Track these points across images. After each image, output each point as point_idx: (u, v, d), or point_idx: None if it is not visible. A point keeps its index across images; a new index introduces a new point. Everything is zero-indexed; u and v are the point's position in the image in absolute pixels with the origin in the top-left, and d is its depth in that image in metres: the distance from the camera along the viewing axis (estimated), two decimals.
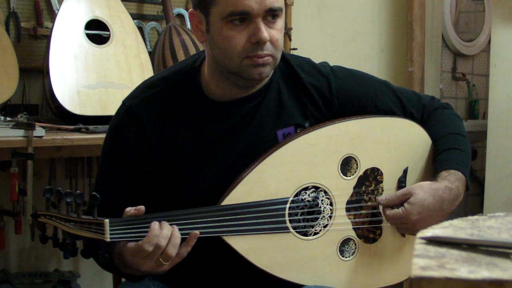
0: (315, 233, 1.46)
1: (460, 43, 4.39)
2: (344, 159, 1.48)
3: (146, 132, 1.42)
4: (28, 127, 1.88)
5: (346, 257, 1.50)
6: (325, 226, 1.47)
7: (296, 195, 1.44)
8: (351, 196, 1.49)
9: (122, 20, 2.33)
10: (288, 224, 1.43)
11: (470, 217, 0.93)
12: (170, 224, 1.31)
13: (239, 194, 1.39)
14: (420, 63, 3.52)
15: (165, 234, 1.28)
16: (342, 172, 1.48)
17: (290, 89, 1.50)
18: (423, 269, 0.70)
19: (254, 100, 1.46)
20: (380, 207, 1.49)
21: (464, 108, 4.50)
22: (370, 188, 1.51)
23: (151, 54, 2.45)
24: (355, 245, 1.51)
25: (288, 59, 1.51)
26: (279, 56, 1.40)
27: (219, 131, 1.44)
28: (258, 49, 1.34)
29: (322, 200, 1.46)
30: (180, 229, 1.32)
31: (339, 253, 1.49)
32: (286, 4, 2.88)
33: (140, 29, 2.60)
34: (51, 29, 2.19)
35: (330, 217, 1.47)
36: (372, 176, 1.51)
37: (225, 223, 1.37)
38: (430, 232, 0.84)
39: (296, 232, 1.44)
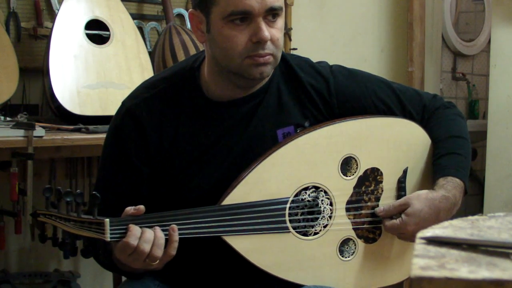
0: (315, 233, 1.46)
1: (460, 43, 4.39)
2: (344, 159, 1.48)
3: (146, 133, 1.42)
4: (28, 127, 1.88)
5: (345, 257, 1.50)
6: (325, 226, 1.47)
7: (296, 195, 1.44)
8: (351, 196, 1.49)
9: (122, 20, 2.33)
10: (288, 224, 1.43)
11: (470, 217, 0.93)
12: (170, 224, 1.31)
13: (239, 194, 1.39)
14: (420, 63, 3.52)
15: (146, 237, 1.27)
16: (342, 172, 1.48)
17: (290, 89, 1.50)
18: (423, 269, 0.70)
19: (254, 100, 1.46)
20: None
21: (464, 108, 4.50)
22: (370, 188, 1.51)
23: (151, 54, 2.45)
24: (355, 245, 1.51)
25: (287, 59, 1.51)
26: (279, 55, 1.40)
27: (219, 131, 1.44)
28: (259, 49, 1.35)
29: (322, 200, 1.46)
30: (179, 229, 1.32)
31: (338, 253, 1.49)
32: (286, 4, 2.88)
33: (140, 29, 2.60)
34: (51, 29, 2.19)
35: (330, 217, 1.47)
36: (372, 176, 1.51)
37: (225, 223, 1.37)
38: (430, 232, 0.84)
39: (296, 232, 1.44)
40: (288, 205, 1.43)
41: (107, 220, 1.26)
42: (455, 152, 1.52)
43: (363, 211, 1.51)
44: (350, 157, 1.49)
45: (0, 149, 1.87)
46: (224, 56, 1.37)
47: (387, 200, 1.52)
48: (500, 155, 3.04)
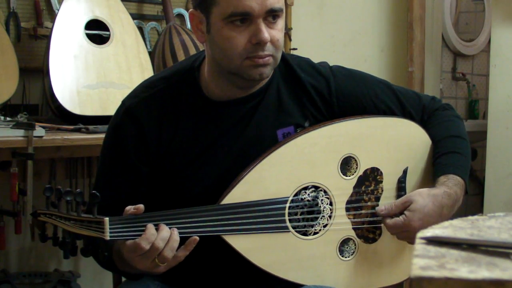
0: (315, 233, 1.46)
1: (460, 43, 4.39)
2: (344, 159, 1.48)
3: (145, 132, 1.42)
4: (28, 127, 1.88)
5: (345, 257, 1.50)
6: (324, 226, 1.47)
7: (296, 195, 1.44)
8: (351, 196, 1.49)
9: (122, 20, 2.33)
10: (288, 224, 1.43)
11: (470, 217, 0.93)
12: (170, 224, 1.31)
13: (239, 193, 1.39)
14: (420, 63, 3.52)
15: (163, 236, 1.28)
16: (342, 172, 1.48)
17: (290, 89, 1.50)
18: (423, 269, 0.70)
19: (253, 100, 1.46)
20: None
21: (464, 108, 4.50)
22: (370, 188, 1.51)
23: (151, 54, 2.45)
24: (355, 245, 1.51)
25: (287, 59, 1.51)
26: (279, 56, 1.40)
27: (218, 131, 1.44)
28: (259, 50, 1.35)
29: (322, 199, 1.46)
30: (179, 228, 1.32)
31: (338, 253, 1.49)
32: (286, 4, 2.88)
33: (140, 29, 2.60)
34: (51, 29, 2.19)
35: (330, 216, 1.47)
36: (372, 176, 1.51)
37: (225, 222, 1.37)
38: (430, 232, 0.84)
39: (296, 231, 1.44)
40: (287, 205, 1.43)
41: (106, 219, 1.26)
42: (455, 151, 1.52)
43: (363, 211, 1.51)
44: (350, 156, 1.49)
45: (0, 149, 1.87)
46: (224, 56, 1.37)
47: (387, 200, 1.52)
48: (500, 155, 3.04)
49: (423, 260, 0.73)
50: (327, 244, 1.47)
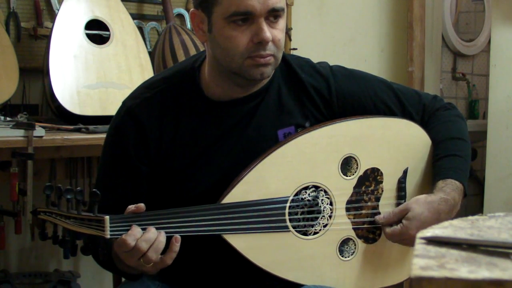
0: (315, 233, 1.46)
1: (460, 43, 4.39)
2: (344, 159, 1.48)
3: (146, 133, 1.42)
4: (28, 127, 1.88)
5: (345, 257, 1.50)
6: (325, 226, 1.47)
7: (296, 194, 1.44)
8: (351, 196, 1.49)
9: (122, 20, 2.33)
10: (288, 223, 1.43)
11: (470, 217, 0.93)
12: (170, 224, 1.31)
13: (239, 193, 1.39)
14: (420, 63, 3.52)
15: (147, 237, 1.27)
16: (342, 172, 1.48)
17: (290, 89, 1.50)
18: (423, 269, 0.70)
19: (254, 100, 1.46)
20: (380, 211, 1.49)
21: (464, 108, 4.50)
22: (370, 188, 1.51)
23: (151, 54, 2.45)
24: (355, 245, 1.51)
25: (288, 59, 1.51)
26: (280, 56, 1.40)
27: (219, 131, 1.44)
28: (260, 49, 1.35)
29: (322, 199, 1.46)
30: (179, 227, 1.32)
31: (338, 253, 1.49)
32: (286, 4, 2.88)
33: (140, 29, 2.60)
34: (51, 29, 2.19)
35: (330, 216, 1.47)
36: (372, 176, 1.51)
37: (225, 222, 1.37)
38: (430, 232, 0.84)
39: (296, 231, 1.44)
40: (288, 204, 1.43)
41: (107, 217, 1.26)
42: (455, 154, 1.51)
43: (363, 211, 1.51)
44: (350, 157, 1.49)
45: (0, 149, 1.87)
46: (225, 56, 1.37)
47: (387, 200, 1.53)
48: (500, 155, 3.04)
49: (423, 260, 0.73)
50: (327, 244, 1.47)
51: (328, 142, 1.46)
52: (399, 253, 1.56)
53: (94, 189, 1.30)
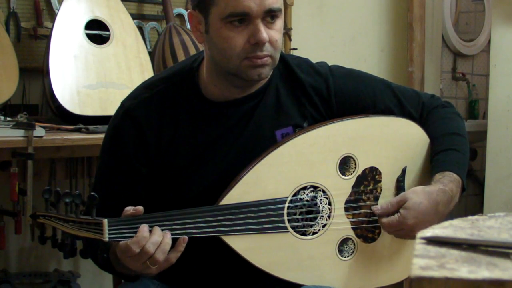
0: (314, 233, 1.46)
1: (460, 43, 4.38)
2: (343, 158, 1.48)
3: (145, 133, 1.42)
4: (28, 127, 1.88)
5: (345, 257, 1.50)
6: (323, 226, 1.47)
7: (294, 195, 1.44)
8: (350, 195, 1.49)
9: (122, 20, 2.33)
10: (287, 224, 1.43)
11: (470, 217, 0.93)
12: (169, 225, 1.31)
13: (237, 194, 1.39)
14: (420, 63, 3.52)
15: (154, 240, 1.27)
16: (340, 172, 1.48)
17: (289, 89, 1.50)
18: (423, 269, 0.70)
19: (252, 101, 1.46)
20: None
21: (464, 108, 4.49)
22: (368, 188, 1.51)
23: (151, 54, 2.45)
24: (354, 244, 1.51)
25: (286, 59, 1.51)
26: (278, 56, 1.40)
27: (217, 132, 1.44)
28: (257, 50, 1.35)
29: (320, 199, 1.46)
30: (177, 229, 1.32)
31: (338, 253, 1.49)
32: (286, 4, 2.88)
33: (140, 29, 2.60)
34: (51, 29, 2.19)
35: (329, 216, 1.47)
36: (371, 176, 1.51)
37: (223, 223, 1.37)
38: (430, 232, 0.84)
39: (295, 231, 1.44)
40: (286, 205, 1.43)
41: (105, 220, 1.26)
42: (453, 148, 1.51)
43: (362, 211, 1.51)
44: (349, 156, 1.49)
45: (0, 149, 1.87)
46: (222, 57, 1.37)
47: (386, 199, 1.52)
48: (500, 155, 3.04)
49: (423, 260, 0.73)
50: (326, 244, 1.47)
51: (326, 142, 1.46)
52: (399, 253, 1.56)
53: (92, 192, 1.29)
